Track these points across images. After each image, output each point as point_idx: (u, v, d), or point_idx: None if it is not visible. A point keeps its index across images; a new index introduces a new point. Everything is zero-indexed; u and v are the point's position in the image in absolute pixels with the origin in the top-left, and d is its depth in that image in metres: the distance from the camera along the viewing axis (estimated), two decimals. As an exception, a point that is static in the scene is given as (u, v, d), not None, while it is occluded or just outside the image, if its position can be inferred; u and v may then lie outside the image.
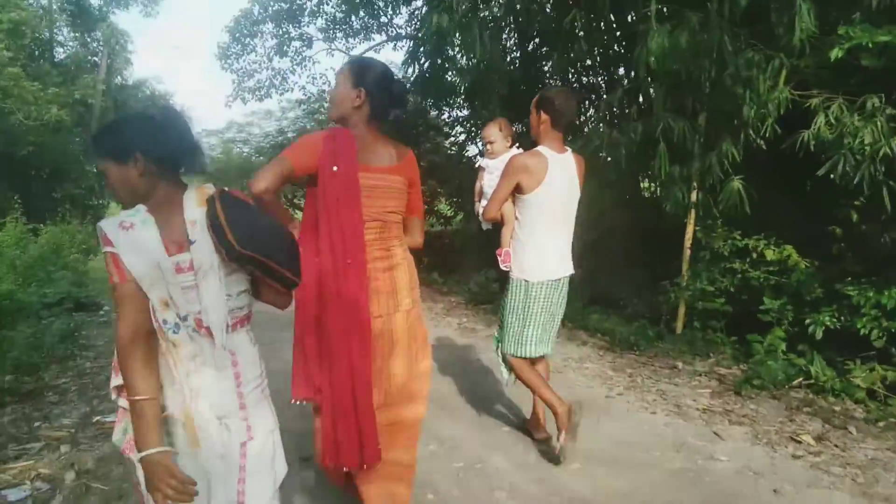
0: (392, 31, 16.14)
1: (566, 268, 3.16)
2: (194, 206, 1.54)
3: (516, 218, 3.12)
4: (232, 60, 16.00)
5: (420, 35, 11.40)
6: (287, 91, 16.43)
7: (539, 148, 3.06)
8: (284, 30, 15.60)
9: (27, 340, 5.04)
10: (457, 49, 8.62)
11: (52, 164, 15.54)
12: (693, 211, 5.97)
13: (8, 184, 13.89)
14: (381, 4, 15.46)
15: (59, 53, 18.49)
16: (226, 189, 1.60)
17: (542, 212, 3.03)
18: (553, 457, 3.15)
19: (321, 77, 16.43)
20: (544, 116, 3.04)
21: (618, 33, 7.67)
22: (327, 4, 15.49)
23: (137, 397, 1.43)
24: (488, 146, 3.39)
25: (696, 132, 5.67)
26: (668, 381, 4.57)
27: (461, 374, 4.05)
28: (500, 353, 3.35)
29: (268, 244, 1.55)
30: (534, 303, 3.11)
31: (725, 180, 5.42)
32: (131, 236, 1.45)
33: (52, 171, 15.81)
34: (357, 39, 16.31)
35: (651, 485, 2.95)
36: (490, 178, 3.26)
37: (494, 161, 3.32)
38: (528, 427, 3.50)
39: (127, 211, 1.51)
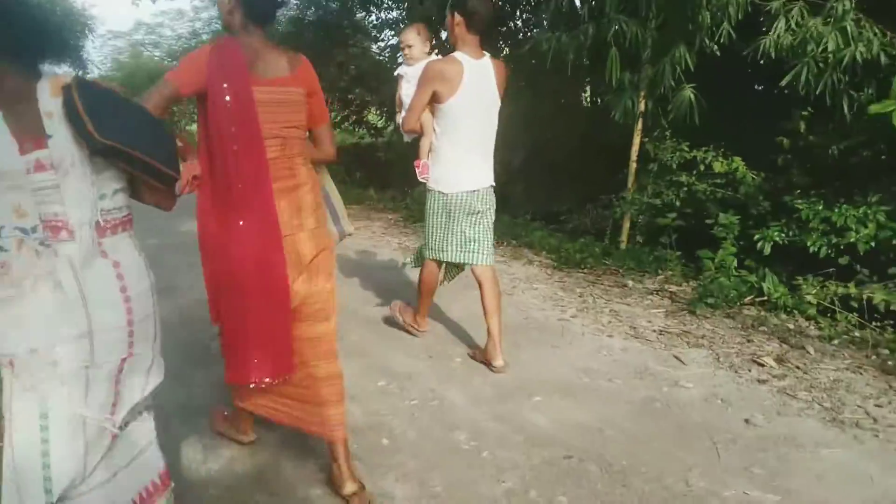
0: None
1: (486, 178, 3.09)
2: (48, 97, 1.39)
3: (434, 128, 3.03)
4: None
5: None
6: None
7: (455, 53, 2.93)
8: None
9: None
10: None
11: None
12: (640, 121, 5.73)
13: None
14: None
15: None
16: (84, 77, 1.49)
17: (459, 121, 2.94)
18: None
19: None
20: (458, 18, 2.90)
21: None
22: None
23: None
24: (406, 51, 3.25)
25: (648, 36, 5.33)
26: (620, 300, 4.44)
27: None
28: (418, 252, 3.38)
29: (134, 134, 1.42)
30: (453, 214, 3.06)
31: (676, 89, 5.18)
32: None
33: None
34: None
35: (618, 417, 2.79)
36: (409, 87, 3.12)
37: (413, 69, 3.16)
38: (483, 358, 3.30)
39: None
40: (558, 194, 7.91)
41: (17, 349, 1.39)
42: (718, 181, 5.42)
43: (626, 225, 5.91)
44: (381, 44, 13.60)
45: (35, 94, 1.39)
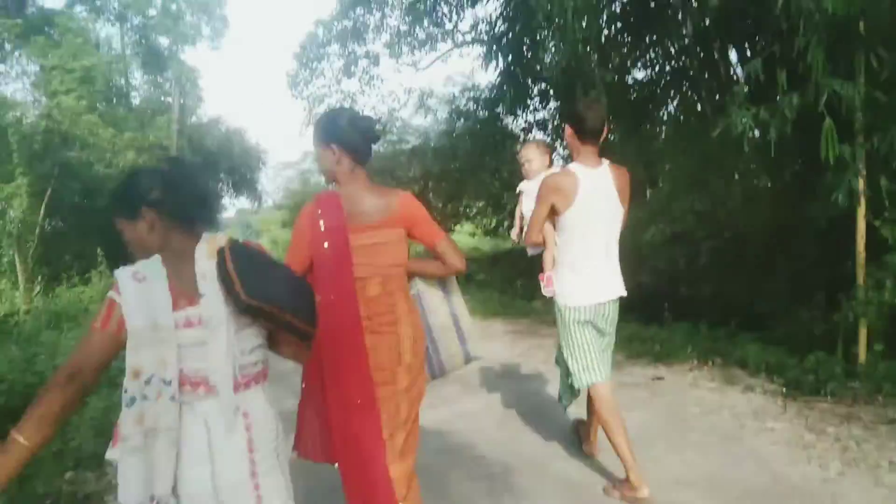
0: (458, 38, 15.48)
1: (610, 290, 2.97)
2: (205, 259, 1.52)
3: (556, 241, 3.02)
4: (301, 87, 15.84)
5: (497, 30, 10.42)
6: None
7: (570, 165, 2.94)
8: (350, 49, 15.18)
9: (93, 421, 3.69)
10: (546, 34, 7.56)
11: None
12: (863, 200, 4.58)
13: (90, 237, 13.77)
14: (446, 9, 14.91)
15: (135, 98, 18.73)
16: (238, 239, 1.58)
17: (578, 231, 2.90)
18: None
19: (391, 95, 15.80)
20: (569, 130, 2.94)
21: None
22: (390, 17, 15.05)
23: (22, 438, 1.36)
24: (525, 166, 3.34)
25: (871, 99, 4.31)
26: (899, 446, 3.20)
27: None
28: (566, 387, 3.17)
29: (278, 293, 1.51)
30: (578, 328, 2.96)
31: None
32: (141, 289, 1.46)
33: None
34: (423, 51, 15.81)
35: None
36: (528, 202, 3.18)
37: (532, 184, 3.21)
38: (627, 493, 2.82)
39: (145, 260, 1.52)
40: (758, 293, 6.66)
41: (141, 497, 1.43)
42: None
43: (863, 332, 4.62)
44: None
45: (194, 255, 1.52)
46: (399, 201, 2.15)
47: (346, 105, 15.74)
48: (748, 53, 6.87)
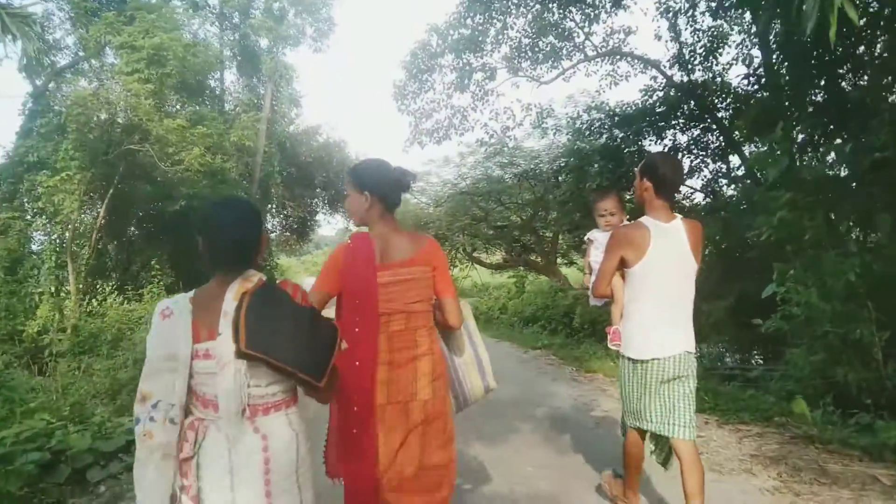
0: (590, 51, 13.32)
1: (680, 344, 2.86)
2: (231, 300, 1.61)
3: (624, 294, 2.99)
4: (409, 101, 14.44)
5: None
6: (467, 130, 14.46)
7: (642, 218, 2.91)
8: (465, 61, 13.55)
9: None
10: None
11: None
12: None
13: (157, 245, 12.07)
14: (577, 20, 12.88)
15: (229, 103, 17.48)
16: (272, 283, 1.68)
17: (648, 285, 2.86)
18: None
19: (505, 112, 13.92)
20: (647, 184, 2.89)
21: None
22: (512, 29, 13.31)
23: None
24: (605, 217, 3.27)
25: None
26: None
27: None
28: (622, 421, 3.19)
29: (282, 347, 1.57)
30: (646, 381, 2.88)
31: None
32: (164, 325, 1.62)
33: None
34: (545, 66, 13.92)
35: None
36: (597, 253, 3.18)
37: (603, 234, 3.20)
38: None
39: (178, 296, 1.70)
40: None
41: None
42: None
43: None
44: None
45: (224, 295, 1.64)
46: (428, 242, 2.37)
47: (456, 121, 14.50)
48: None
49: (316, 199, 20.79)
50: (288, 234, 22.98)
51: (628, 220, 3.23)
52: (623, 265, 2.88)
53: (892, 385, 4.33)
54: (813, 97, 6.01)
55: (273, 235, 21.07)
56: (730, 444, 4.27)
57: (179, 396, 1.57)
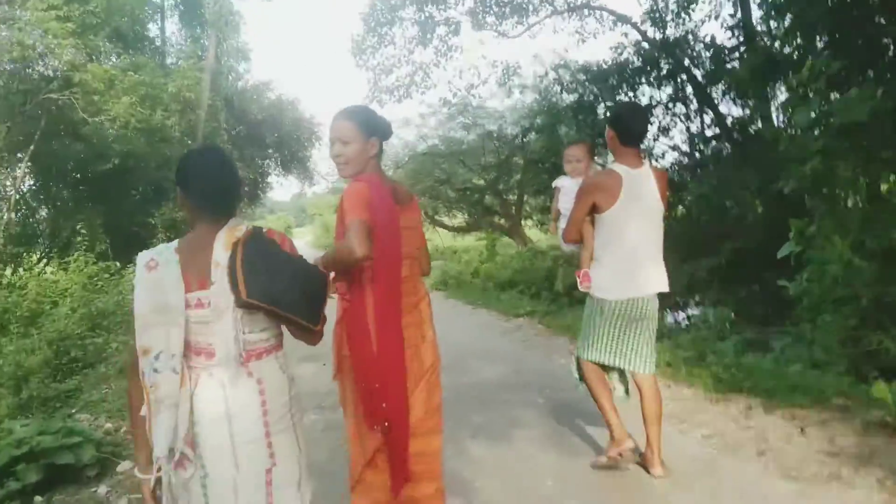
0: (560, 5, 12.73)
1: (654, 284, 3.07)
2: (221, 249, 1.61)
3: (594, 238, 3.12)
4: (367, 56, 13.62)
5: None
6: (430, 88, 13.77)
7: (612, 165, 3.05)
8: (428, 14, 12.84)
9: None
10: None
11: (147, 181, 11.97)
12: None
13: (88, 209, 10.97)
14: None
15: (171, 56, 16.16)
16: (259, 230, 1.67)
17: (620, 229, 3.01)
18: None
19: (470, 69, 13.25)
20: (612, 132, 3.04)
21: None
22: None
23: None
24: (573, 164, 3.35)
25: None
26: None
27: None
28: (574, 359, 3.36)
29: (280, 294, 1.61)
30: (612, 319, 3.06)
31: None
32: (151, 278, 1.60)
33: (151, 189, 12.26)
34: (511, 21, 13.18)
35: None
36: (565, 200, 3.28)
37: (570, 182, 3.31)
38: (644, 463, 3.17)
39: (159, 247, 1.69)
40: None
41: (163, 451, 1.58)
42: None
43: None
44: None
45: (212, 244, 1.62)
46: (413, 195, 2.41)
47: (418, 78, 13.76)
48: None
49: (268, 161, 19.59)
50: (238, 197, 21.80)
51: (601, 167, 3.29)
52: (594, 210, 3.02)
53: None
54: (825, 39, 5.51)
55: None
56: (792, 436, 3.53)
57: (179, 346, 1.58)
